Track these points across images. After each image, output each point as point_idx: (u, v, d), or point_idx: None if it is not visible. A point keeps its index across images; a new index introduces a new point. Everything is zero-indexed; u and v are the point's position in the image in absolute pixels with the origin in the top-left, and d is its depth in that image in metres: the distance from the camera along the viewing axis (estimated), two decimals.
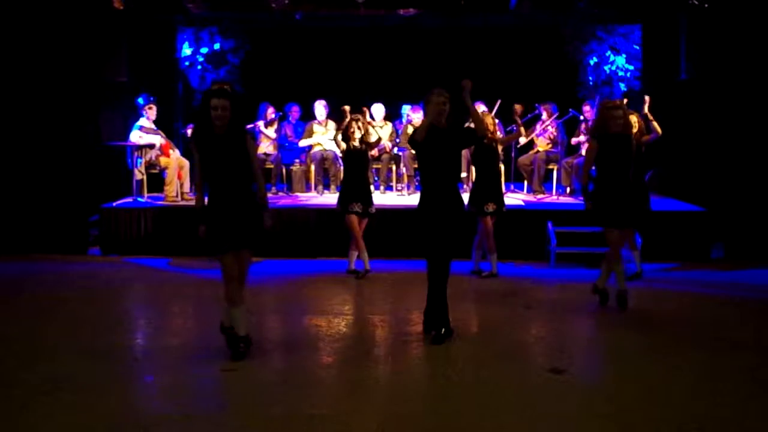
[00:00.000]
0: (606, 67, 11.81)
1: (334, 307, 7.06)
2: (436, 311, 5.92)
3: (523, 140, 10.58)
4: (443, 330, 5.87)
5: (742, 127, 9.65)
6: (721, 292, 7.77)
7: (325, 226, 9.31)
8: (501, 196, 8.23)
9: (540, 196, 10.42)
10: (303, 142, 10.83)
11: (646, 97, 8.09)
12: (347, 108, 8.24)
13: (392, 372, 5.35)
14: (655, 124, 7.86)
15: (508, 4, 10.26)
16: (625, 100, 7.86)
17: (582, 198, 7.00)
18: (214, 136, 5.26)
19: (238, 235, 5.34)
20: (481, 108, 9.90)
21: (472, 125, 6.11)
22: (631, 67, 11.57)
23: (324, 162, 10.69)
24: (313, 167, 10.75)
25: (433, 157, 5.85)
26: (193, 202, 9.58)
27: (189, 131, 10.54)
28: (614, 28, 11.61)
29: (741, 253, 9.31)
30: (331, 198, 9.94)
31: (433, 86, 5.90)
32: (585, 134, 10.64)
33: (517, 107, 8.59)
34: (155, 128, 9.98)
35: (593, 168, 6.90)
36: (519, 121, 8.50)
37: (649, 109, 7.94)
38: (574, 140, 10.73)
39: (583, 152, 10.60)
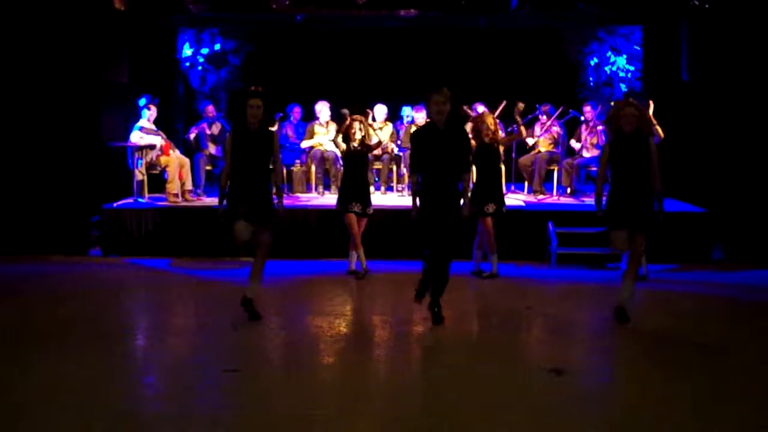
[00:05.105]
0: (607, 68, 11.81)
1: (335, 307, 7.06)
2: (430, 283, 6.22)
3: (531, 141, 10.57)
4: (436, 310, 6.23)
5: (743, 128, 9.64)
6: (722, 293, 7.77)
7: (325, 226, 9.30)
8: (502, 196, 8.21)
9: (540, 196, 10.41)
10: (305, 143, 10.82)
11: (650, 101, 8.06)
12: (346, 111, 8.26)
13: (393, 372, 5.35)
14: (658, 128, 7.82)
15: (508, 4, 10.25)
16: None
17: (594, 200, 6.78)
18: (247, 131, 6.10)
19: (250, 208, 6.07)
20: (480, 108, 9.91)
21: (469, 128, 6.15)
22: (632, 68, 11.57)
23: (324, 163, 10.69)
24: (313, 168, 10.75)
25: (428, 156, 5.85)
26: (194, 204, 9.74)
27: (192, 135, 10.56)
28: (615, 29, 11.61)
29: (742, 254, 9.30)
30: (331, 199, 9.92)
31: (434, 86, 5.90)
32: (586, 134, 10.64)
33: (520, 105, 8.53)
34: (155, 129, 9.97)
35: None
36: (519, 120, 8.47)
37: (653, 113, 7.91)
38: (574, 144, 10.69)
39: (584, 154, 10.61)
